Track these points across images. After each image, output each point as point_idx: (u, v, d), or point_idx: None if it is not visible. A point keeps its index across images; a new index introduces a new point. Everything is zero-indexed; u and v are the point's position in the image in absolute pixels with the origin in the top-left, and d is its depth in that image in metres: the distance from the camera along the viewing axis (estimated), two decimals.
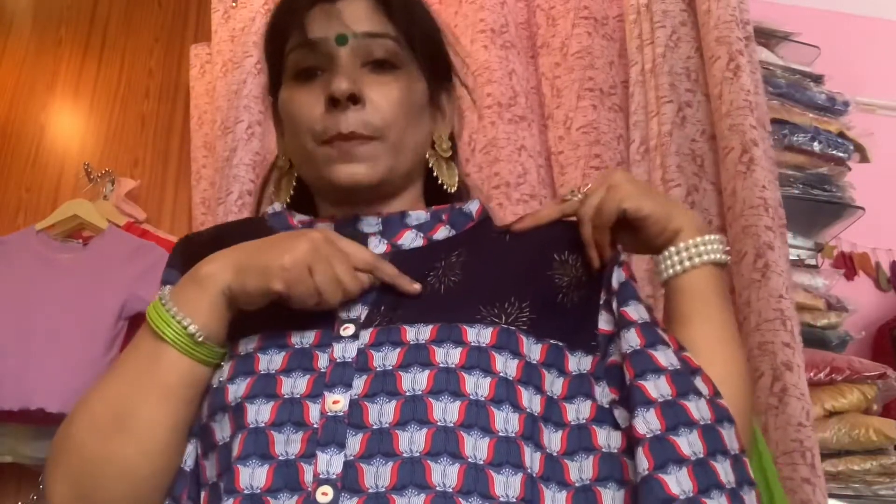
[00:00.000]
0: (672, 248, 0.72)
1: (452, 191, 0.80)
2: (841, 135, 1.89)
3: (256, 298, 0.65)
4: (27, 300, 1.59)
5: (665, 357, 0.63)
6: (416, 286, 0.69)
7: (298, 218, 0.78)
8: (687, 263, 0.71)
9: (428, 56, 0.78)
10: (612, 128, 1.52)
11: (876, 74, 2.42)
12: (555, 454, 0.61)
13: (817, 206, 1.87)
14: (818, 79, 1.96)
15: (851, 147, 1.90)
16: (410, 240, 0.74)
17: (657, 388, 0.61)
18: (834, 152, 1.87)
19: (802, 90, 1.90)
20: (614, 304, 0.68)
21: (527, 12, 1.68)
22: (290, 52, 0.75)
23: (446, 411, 0.59)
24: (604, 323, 0.69)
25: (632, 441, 0.59)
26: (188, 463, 0.67)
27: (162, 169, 2.02)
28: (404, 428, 0.58)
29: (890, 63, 2.50)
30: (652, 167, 1.39)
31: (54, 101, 2.08)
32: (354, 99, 0.70)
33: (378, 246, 0.73)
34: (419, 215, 0.76)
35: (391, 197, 0.76)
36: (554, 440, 0.62)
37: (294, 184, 0.80)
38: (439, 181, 0.80)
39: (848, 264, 2.29)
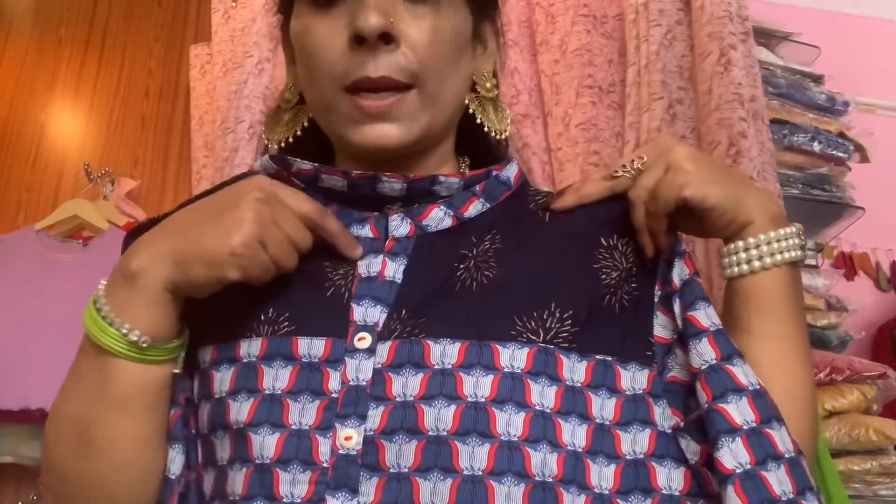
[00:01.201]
0: (740, 243, 0.61)
1: (503, 137, 0.68)
2: (841, 135, 1.89)
3: (207, 290, 0.57)
4: (27, 300, 1.60)
5: (744, 374, 0.55)
6: (357, 251, 0.60)
7: (299, 167, 0.63)
8: (756, 264, 0.60)
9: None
10: (611, 125, 1.52)
11: (876, 74, 2.42)
12: (606, 493, 0.53)
13: (817, 206, 1.87)
14: (818, 79, 1.96)
15: (851, 147, 1.90)
16: (438, 220, 0.62)
17: (741, 412, 0.54)
18: (834, 152, 1.87)
19: (802, 90, 1.90)
20: (676, 306, 0.59)
21: (527, 11, 1.69)
22: None
23: (474, 457, 0.51)
24: (660, 328, 0.60)
25: (719, 477, 0.53)
26: (173, 470, 0.59)
27: (162, 169, 2.02)
28: (426, 476, 0.51)
29: (890, 63, 2.50)
30: None
31: (54, 101, 2.07)
32: (387, 38, 0.57)
33: (401, 227, 0.62)
34: (450, 183, 0.62)
35: (422, 156, 0.65)
36: (605, 476, 0.54)
37: (305, 124, 0.68)
38: (485, 127, 0.67)
39: (848, 264, 2.29)
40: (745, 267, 0.61)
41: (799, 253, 0.62)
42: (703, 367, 0.56)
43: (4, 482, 1.66)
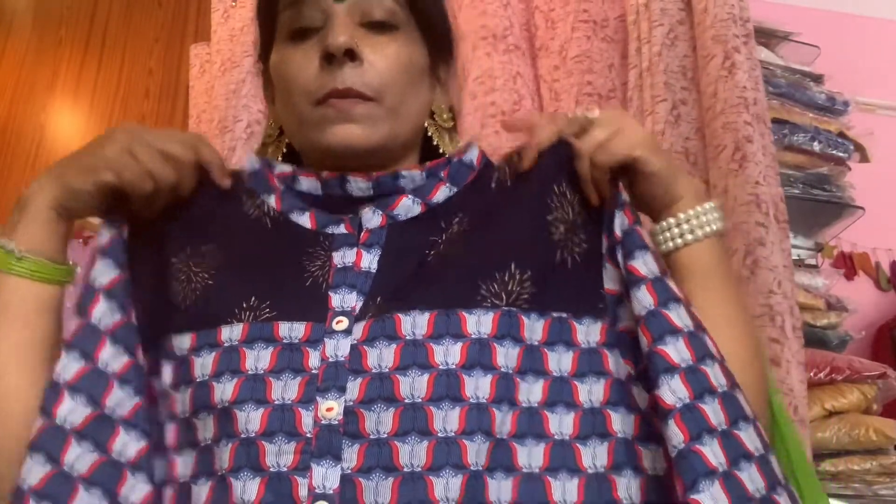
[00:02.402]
0: (671, 220, 0.66)
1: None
2: (841, 135, 1.89)
3: (88, 197, 0.64)
4: None
5: (678, 317, 0.59)
6: (226, 180, 0.67)
7: (279, 170, 0.70)
8: (689, 237, 0.66)
9: (428, 22, 0.73)
10: None
11: (876, 74, 2.42)
12: (566, 439, 0.58)
13: (817, 206, 1.87)
14: (818, 79, 1.96)
15: (851, 147, 1.90)
16: (407, 208, 0.67)
17: (678, 352, 0.58)
18: (834, 152, 1.87)
19: (802, 90, 1.90)
20: (619, 256, 0.63)
21: (528, 14, 1.68)
22: (283, 10, 0.71)
23: (447, 420, 0.55)
24: (609, 281, 0.64)
25: (659, 412, 0.57)
26: (125, 454, 0.61)
27: None
28: (404, 440, 0.55)
29: (890, 63, 2.50)
30: None
31: (54, 101, 2.08)
32: (352, 55, 0.66)
33: (372, 218, 0.67)
34: (413, 175, 0.68)
35: (386, 166, 0.70)
36: (565, 423, 0.58)
37: (284, 150, 0.75)
38: (440, 150, 0.74)
39: (848, 264, 2.29)
40: (679, 241, 0.66)
41: (722, 224, 0.67)
42: (642, 314, 0.59)
43: None
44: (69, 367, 0.60)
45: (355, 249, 0.65)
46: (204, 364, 0.60)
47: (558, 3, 1.63)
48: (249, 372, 0.59)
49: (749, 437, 0.56)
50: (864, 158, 1.95)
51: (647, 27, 1.45)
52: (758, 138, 1.27)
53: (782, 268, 1.21)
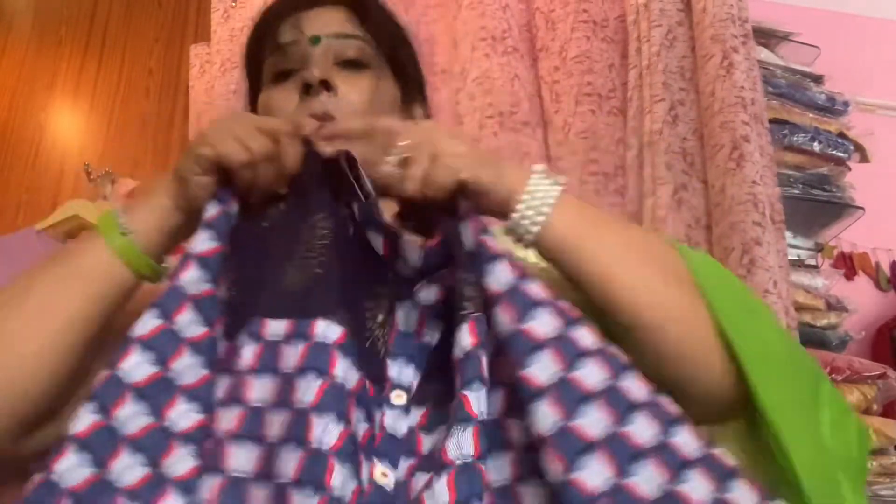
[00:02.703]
0: (515, 215, 0.61)
1: None
2: (841, 135, 1.89)
3: (193, 177, 0.62)
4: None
5: (542, 324, 0.53)
6: (328, 149, 0.64)
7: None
8: (540, 219, 0.61)
9: (400, 64, 0.80)
10: (611, 132, 1.52)
11: (876, 74, 2.42)
12: None
13: (817, 206, 1.87)
14: (818, 79, 1.97)
15: (851, 147, 1.90)
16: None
17: (545, 370, 0.51)
18: (834, 152, 1.87)
19: (802, 90, 1.90)
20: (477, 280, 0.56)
21: (528, 15, 1.68)
22: (267, 57, 0.78)
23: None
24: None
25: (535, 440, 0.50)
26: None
27: (162, 169, 2.02)
28: None
29: (890, 63, 2.50)
30: (643, 165, 1.40)
31: (54, 101, 2.08)
32: (327, 85, 0.72)
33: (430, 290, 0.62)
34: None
35: None
36: None
37: None
38: None
39: (848, 264, 2.29)
40: (536, 228, 0.61)
41: (556, 182, 0.62)
42: (504, 337, 0.54)
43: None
44: (147, 323, 0.56)
45: (419, 310, 0.61)
46: (292, 355, 0.56)
47: (558, 3, 1.63)
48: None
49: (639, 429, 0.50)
50: (864, 158, 1.95)
51: (647, 27, 1.45)
52: (755, 138, 1.27)
53: (778, 268, 1.21)
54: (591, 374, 0.52)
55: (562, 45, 1.58)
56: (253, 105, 0.83)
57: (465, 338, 0.53)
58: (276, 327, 0.56)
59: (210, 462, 0.52)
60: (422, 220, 0.63)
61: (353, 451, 0.50)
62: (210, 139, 0.63)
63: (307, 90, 0.73)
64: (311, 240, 0.60)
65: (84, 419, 0.52)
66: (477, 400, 0.51)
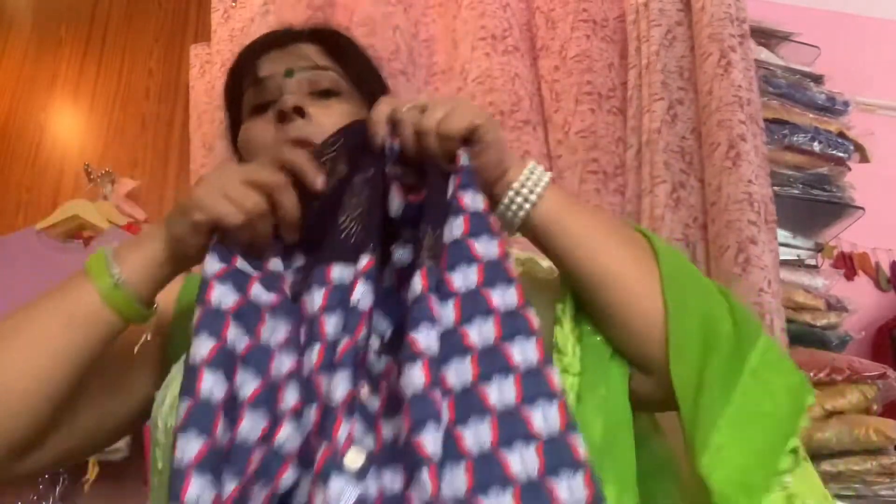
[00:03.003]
0: (510, 192, 0.67)
1: None
2: (841, 135, 1.89)
3: (189, 238, 0.63)
4: (28, 301, 1.59)
5: (462, 277, 0.57)
6: (320, 182, 0.65)
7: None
8: (533, 197, 0.67)
9: (369, 92, 0.84)
10: (611, 131, 1.52)
11: (876, 74, 2.42)
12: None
13: (817, 206, 1.87)
14: (818, 79, 1.97)
15: (851, 147, 1.90)
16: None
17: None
18: (834, 152, 1.87)
19: (802, 90, 1.90)
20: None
21: (528, 14, 1.68)
22: (245, 91, 0.83)
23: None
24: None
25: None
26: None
27: (162, 169, 2.02)
28: None
29: (890, 63, 2.50)
30: (642, 163, 1.41)
31: (54, 101, 2.08)
32: (301, 112, 0.77)
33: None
34: None
35: None
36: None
37: None
38: None
39: (848, 264, 2.29)
40: (527, 205, 0.67)
41: (548, 174, 0.69)
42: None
43: (5, 482, 1.66)
44: (227, 297, 0.59)
45: (395, 270, 0.66)
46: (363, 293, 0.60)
47: (558, 3, 1.63)
48: None
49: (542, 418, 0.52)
50: (864, 158, 1.95)
51: (646, 27, 1.45)
52: (750, 138, 1.28)
53: (771, 267, 1.22)
54: (479, 332, 0.55)
55: (562, 44, 1.59)
56: (234, 139, 0.87)
57: (417, 283, 0.56)
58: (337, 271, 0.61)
59: (308, 395, 0.56)
60: (415, 177, 0.67)
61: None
62: (202, 203, 0.62)
63: (282, 118, 0.77)
64: (354, 197, 0.66)
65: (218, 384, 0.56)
66: (426, 338, 0.53)
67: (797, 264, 1.87)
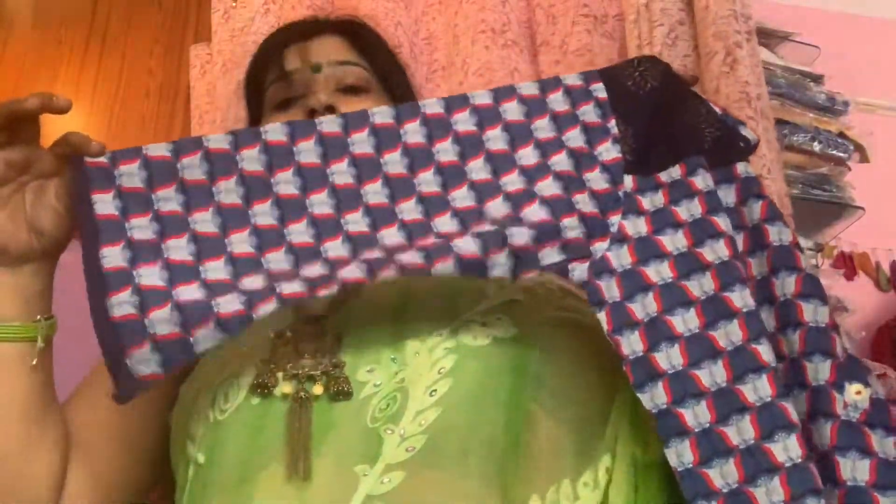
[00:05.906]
0: None
1: None
2: (841, 135, 1.89)
3: None
4: None
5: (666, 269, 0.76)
6: (97, 147, 0.69)
7: None
8: None
9: (393, 86, 0.85)
10: None
11: (876, 74, 2.42)
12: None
13: (817, 206, 1.87)
14: (818, 79, 1.96)
15: (851, 147, 1.90)
16: None
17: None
18: (834, 152, 1.87)
19: (802, 90, 1.90)
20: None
21: (527, 11, 1.68)
22: (268, 86, 0.83)
23: None
24: None
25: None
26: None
27: None
28: None
29: (890, 63, 2.50)
30: None
31: None
32: (332, 110, 0.77)
33: None
34: None
35: None
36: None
37: None
38: None
39: (848, 264, 2.29)
40: None
41: None
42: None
43: None
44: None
45: None
46: None
47: None
48: None
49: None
50: (864, 158, 1.95)
51: (648, 28, 1.45)
52: (761, 133, 1.27)
53: None
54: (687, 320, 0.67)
55: (563, 39, 1.58)
56: None
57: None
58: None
59: None
60: None
61: None
62: None
63: (312, 115, 0.76)
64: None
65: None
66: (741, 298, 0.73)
67: None
